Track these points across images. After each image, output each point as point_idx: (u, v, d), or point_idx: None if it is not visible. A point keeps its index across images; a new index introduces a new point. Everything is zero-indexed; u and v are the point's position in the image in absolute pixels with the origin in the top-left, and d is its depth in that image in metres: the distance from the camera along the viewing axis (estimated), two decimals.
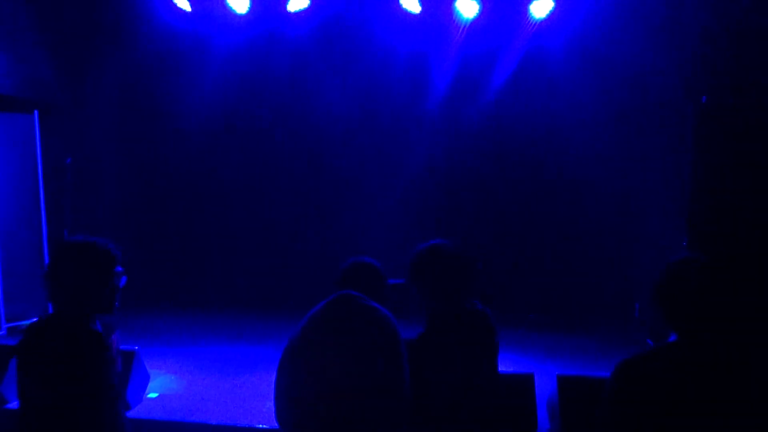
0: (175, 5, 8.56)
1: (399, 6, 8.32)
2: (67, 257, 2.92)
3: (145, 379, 5.34)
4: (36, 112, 8.21)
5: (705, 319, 2.44)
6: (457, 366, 3.14)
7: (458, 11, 8.34)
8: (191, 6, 8.61)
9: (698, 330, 2.45)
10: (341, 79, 9.31)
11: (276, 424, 3.00)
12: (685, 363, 2.41)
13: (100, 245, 2.95)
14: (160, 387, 5.99)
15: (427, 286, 3.21)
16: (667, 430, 2.38)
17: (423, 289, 3.23)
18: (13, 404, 4.71)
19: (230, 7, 8.50)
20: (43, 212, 8.26)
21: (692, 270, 2.48)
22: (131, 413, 4.41)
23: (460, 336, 3.16)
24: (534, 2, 8.14)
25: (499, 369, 3.35)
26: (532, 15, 8.24)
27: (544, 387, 4.70)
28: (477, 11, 8.27)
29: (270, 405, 3.11)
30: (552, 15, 8.21)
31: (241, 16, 8.64)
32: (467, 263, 3.23)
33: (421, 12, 8.39)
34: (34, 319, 3.01)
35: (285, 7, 8.50)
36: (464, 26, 8.50)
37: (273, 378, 3.03)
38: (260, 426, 5.04)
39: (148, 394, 5.76)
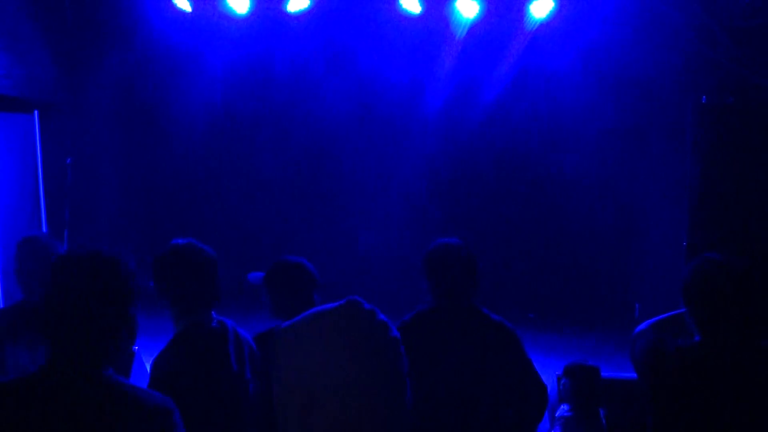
0: (175, 6, 8.55)
1: (399, 7, 8.32)
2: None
3: (145, 379, 5.33)
4: (36, 112, 8.19)
5: (732, 321, 2.41)
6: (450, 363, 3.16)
7: (458, 12, 8.33)
8: (191, 6, 8.61)
9: (725, 331, 2.43)
10: (341, 79, 9.30)
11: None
12: (711, 364, 2.40)
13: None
14: None
15: (438, 282, 3.25)
16: (687, 425, 2.36)
17: (434, 286, 3.28)
18: None
19: (230, 8, 8.50)
20: (43, 212, 8.24)
21: (720, 271, 2.46)
22: None
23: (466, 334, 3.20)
24: (534, 2, 8.13)
25: None
26: (532, 15, 8.24)
27: None
28: (477, 12, 8.26)
29: None
30: (552, 16, 8.21)
31: (240, 17, 8.64)
32: (475, 262, 3.29)
33: (422, 13, 8.38)
34: None
35: (285, 8, 8.49)
36: (465, 27, 8.49)
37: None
38: None
39: None
